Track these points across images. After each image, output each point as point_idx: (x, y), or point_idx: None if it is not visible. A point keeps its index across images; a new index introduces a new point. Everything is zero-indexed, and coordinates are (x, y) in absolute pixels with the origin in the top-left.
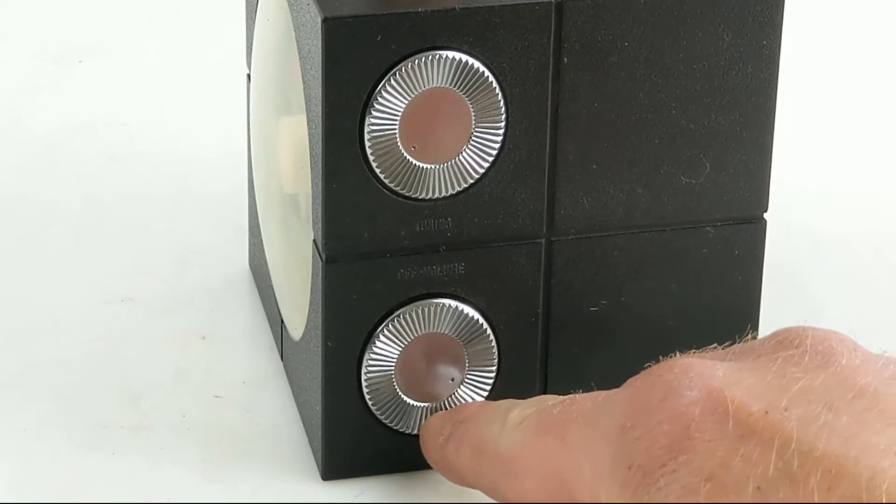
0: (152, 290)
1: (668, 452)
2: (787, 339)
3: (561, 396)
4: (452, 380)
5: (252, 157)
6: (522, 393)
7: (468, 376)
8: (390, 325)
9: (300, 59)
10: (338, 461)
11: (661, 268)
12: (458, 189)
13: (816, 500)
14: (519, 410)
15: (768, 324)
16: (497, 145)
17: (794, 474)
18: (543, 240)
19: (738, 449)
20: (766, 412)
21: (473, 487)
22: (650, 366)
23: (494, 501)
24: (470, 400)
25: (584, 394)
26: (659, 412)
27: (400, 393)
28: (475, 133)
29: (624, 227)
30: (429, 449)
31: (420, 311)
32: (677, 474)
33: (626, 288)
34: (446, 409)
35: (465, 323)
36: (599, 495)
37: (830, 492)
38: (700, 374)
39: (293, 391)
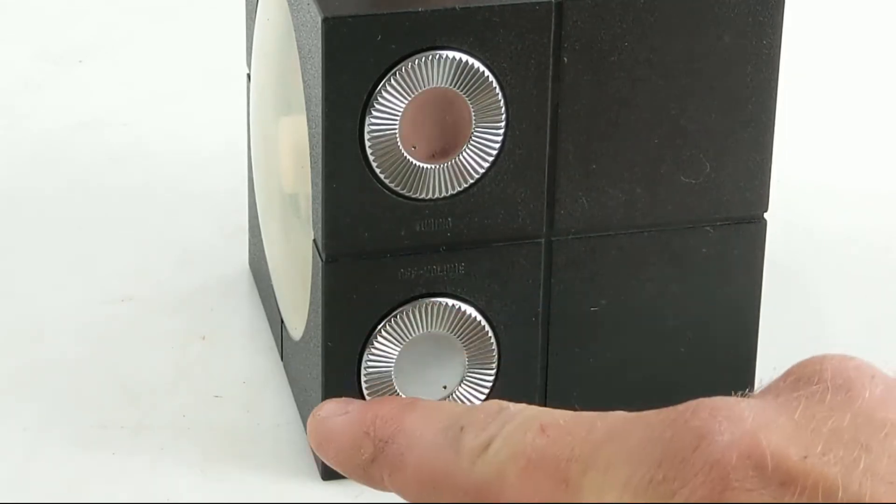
0: (152, 290)
1: None
2: (805, 376)
3: (522, 413)
4: (444, 387)
5: (252, 157)
6: (523, 392)
7: (468, 376)
8: (390, 325)
9: (300, 59)
10: None
11: (661, 268)
12: (458, 189)
13: None
14: (473, 434)
15: (768, 324)
16: (497, 145)
17: None
18: (543, 240)
19: (782, 498)
20: (805, 457)
21: None
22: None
23: None
24: (470, 400)
25: (562, 415)
26: (694, 462)
27: (400, 393)
28: (475, 133)
29: (624, 226)
30: (342, 464)
31: (420, 311)
32: None
33: (626, 288)
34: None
35: (465, 323)
36: None
37: None
38: (729, 416)
39: (293, 391)
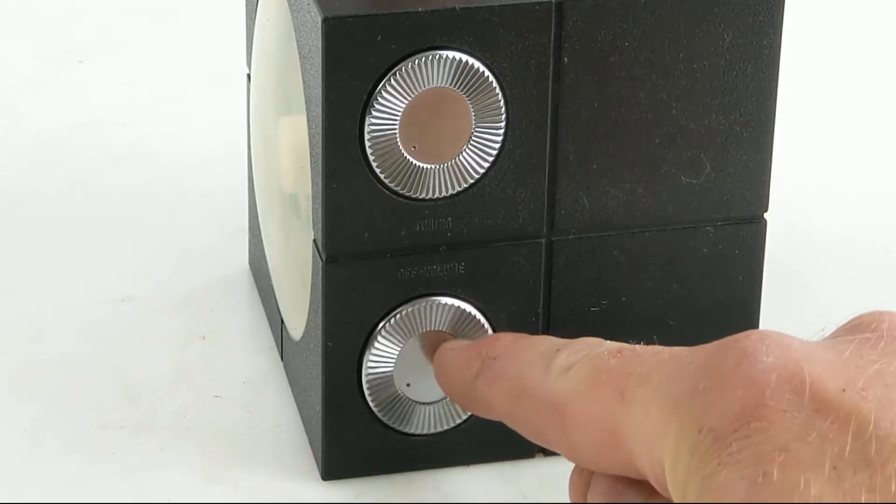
0: (152, 290)
1: (742, 418)
2: (863, 324)
3: (612, 343)
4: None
5: (252, 157)
6: None
7: None
8: (390, 325)
9: (300, 59)
10: (338, 461)
11: (661, 268)
12: (458, 189)
13: (894, 489)
14: (565, 355)
15: (769, 324)
16: (497, 145)
17: (871, 459)
18: (544, 240)
19: (813, 423)
20: (844, 390)
21: (503, 421)
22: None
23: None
24: None
25: (643, 346)
26: (734, 376)
27: (400, 393)
28: (475, 133)
29: (624, 226)
30: (453, 381)
31: (420, 311)
32: (750, 441)
33: (627, 288)
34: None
35: (465, 323)
36: (661, 457)
37: None
38: (777, 342)
39: (293, 391)
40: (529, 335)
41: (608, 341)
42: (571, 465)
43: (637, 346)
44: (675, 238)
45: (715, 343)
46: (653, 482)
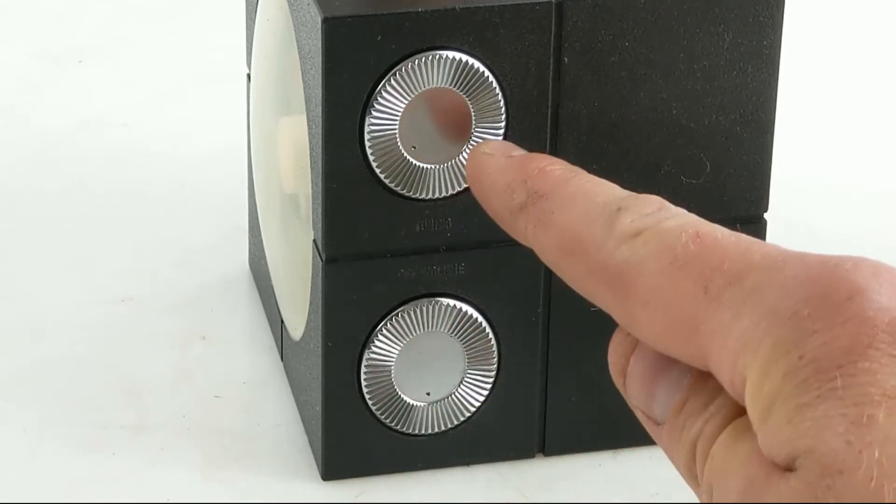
0: (152, 290)
1: (848, 355)
2: None
3: (682, 214)
4: (428, 394)
5: (252, 157)
6: (523, 392)
7: (468, 376)
8: (390, 325)
9: (300, 59)
10: (338, 461)
11: None
12: (458, 189)
13: None
14: (630, 218)
15: None
16: None
17: None
18: None
19: None
20: None
21: (546, 264)
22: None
23: None
24: (469, 401)
25: (722, 231)
26: (844, 310)
27: (400, 393)
28: (475, 133)
29: None
30: (490, 202)
31: (420, 311)
32: (855, 380)
33: None
34: None
35: (465, 323)
36: (746, 368)
37: None
38: (891, 281)
39: (293, 391)
40: (579, 171)
41: (675, 208)
42: (571, 466)
43: (716, 230)
44: None
45: (820, 261)
46: (725, 385)
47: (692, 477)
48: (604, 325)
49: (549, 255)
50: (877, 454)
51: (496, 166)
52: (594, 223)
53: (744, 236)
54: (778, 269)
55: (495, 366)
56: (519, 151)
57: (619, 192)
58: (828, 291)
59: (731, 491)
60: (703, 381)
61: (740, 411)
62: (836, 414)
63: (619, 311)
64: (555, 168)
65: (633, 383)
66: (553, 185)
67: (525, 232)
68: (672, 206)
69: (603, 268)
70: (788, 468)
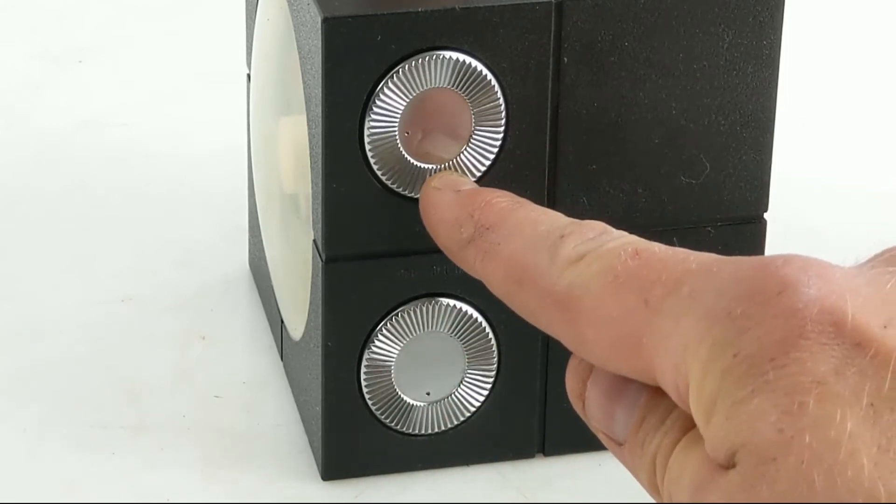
0: (152, 290)
1: (780, 347)
2: None
3: (622, 236)
4: (428, 393)
5: (252, 157)
6: (523, 392)
7: (468, 376)
8: (390, 325)
9: (300, 59)
10: (338, 461)
11: None
12: None
13: None
14: (572, 243)
15: None
16: (497, 145)
17: None
18: None
19: (853, 358)
20: (885, 326)
21: (496, 295)
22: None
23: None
24: (469, 401)
25: (659, 247)
26: (775, 305)
27: (400, 393)
28: (475, 133)
29: (624, 227)
30: (439, 237)
31: (420, 311)
32: (787, 370)
33: None
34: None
35: (465, 323)
36: (688, 371)
37: None
38: (819, 273)
39: (293, 391)
40: (524, 202)
41: (616, 231)
42: (571, 466)
43: (654, 246)
44: (675, 238)
45: (751, 262)
46: (671, 393)
47: (655, 491)
48: None
49: (497, 286)
50: (807, 439)
51: (444, 201)
52: (539, 251)
53: (681, 249)
54: (713, 274)
55: (495, 366)
56: (468, 185)
57: (562, 219)
58: (759, 288)
59: (684, 496)
60: (659, 398)
61: (694, 422)
62: (768, 405)
63: (568, 335)
64: (500, 200)
65: (593, 406)
66: (498, 216)
67: (473, 264)
68: (613, 230)
69: (550, 294)
70: (730, 465)
